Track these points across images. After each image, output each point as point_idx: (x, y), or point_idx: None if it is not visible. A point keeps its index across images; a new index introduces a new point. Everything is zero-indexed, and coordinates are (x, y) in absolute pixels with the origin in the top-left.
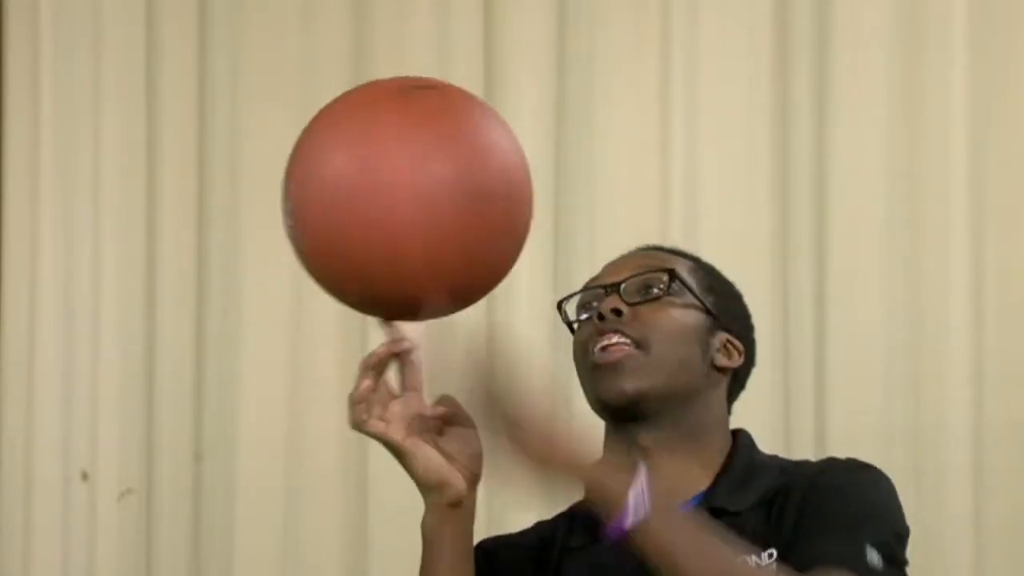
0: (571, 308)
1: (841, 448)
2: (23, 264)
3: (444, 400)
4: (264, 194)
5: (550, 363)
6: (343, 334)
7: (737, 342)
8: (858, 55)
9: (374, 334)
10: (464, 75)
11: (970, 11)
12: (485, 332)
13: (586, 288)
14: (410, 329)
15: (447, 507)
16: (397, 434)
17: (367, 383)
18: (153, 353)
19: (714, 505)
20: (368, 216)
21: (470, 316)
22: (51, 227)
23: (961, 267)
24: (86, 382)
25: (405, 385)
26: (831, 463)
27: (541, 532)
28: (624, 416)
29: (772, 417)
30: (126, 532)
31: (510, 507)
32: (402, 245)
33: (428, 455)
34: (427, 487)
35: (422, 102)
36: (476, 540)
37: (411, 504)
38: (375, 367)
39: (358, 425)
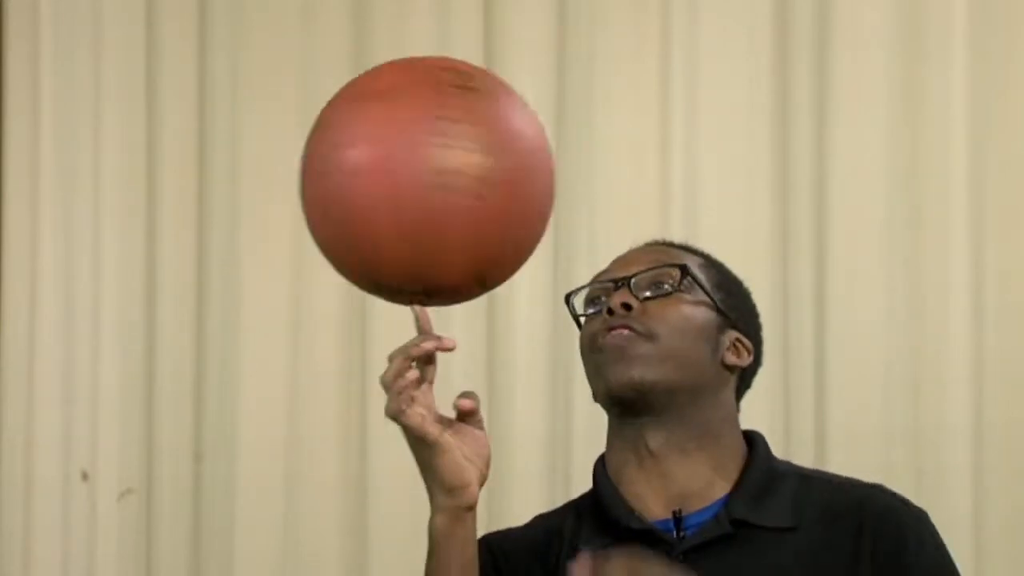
0: (579, 302)
1: (841, 448)
2: (23, 264)
3: (469, 395)
4: (264, 194)
5: (550, 361)
6: (343, 334)
7: (747, 340)
8: (858, 55)
9: (374, 334)
10: None
11: (970, 11)
12: (485, 330)
13: (594, 282)
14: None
15: (462, 509)
16: (434, 428)
17: (414, 373)
18: (153, 353)
19: (736, 516)
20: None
21: (470, 317)
22: (51, 227)
23: (961, 267)
24: (86, 382)
25: (423, 378)
26: (900, 515)
27: (546, 525)
28: (632, 408)
29: (772, 417)
30: (126, 532)
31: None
32: (430, 230)
33: (457, 453)
34: (448, 488)
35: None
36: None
37: (410, 504)
38: (420, 358)
39: (397, 414)
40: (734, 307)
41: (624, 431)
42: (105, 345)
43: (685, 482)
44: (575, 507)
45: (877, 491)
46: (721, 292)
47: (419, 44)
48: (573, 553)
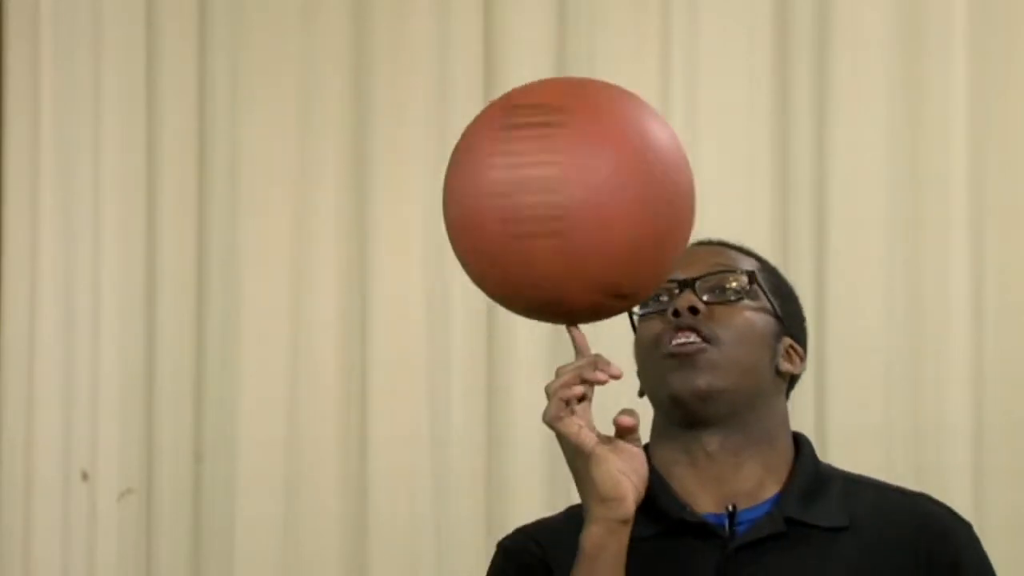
0: None
1: (841, 448)
2: (23, 264)
3: (629, 412)
4: (264, 194)
5: (550, 361)
6: (343, 334)
7: (799, 347)
8: (858, 55)
9: (374, 334)
10: (464, 75)
11: (970, 11)
12: (485, 330)
13: None
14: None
15: (616, 522)
16: (590, 439)
17: (580, 389)
18: (153, 353)
19: (787, 515)
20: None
21: (470, 317)
22: (51, 227)
23: (961, 267)
24: (86, 382)
25: (585, 396)
26: (956, 532)
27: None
28: (693, 418)
29: None
30: (126, 532)
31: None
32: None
33: (612, 464)
34: (603, 498)
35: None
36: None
37: (410, 504)
38: (590, 382)
39: (554, 420)
40: (789, 313)
41: (676, 433)
42: (105, 345)
43: (738, 483)
44: None
45: (930, 503)
46: (778, 298)
47: (419, 44)
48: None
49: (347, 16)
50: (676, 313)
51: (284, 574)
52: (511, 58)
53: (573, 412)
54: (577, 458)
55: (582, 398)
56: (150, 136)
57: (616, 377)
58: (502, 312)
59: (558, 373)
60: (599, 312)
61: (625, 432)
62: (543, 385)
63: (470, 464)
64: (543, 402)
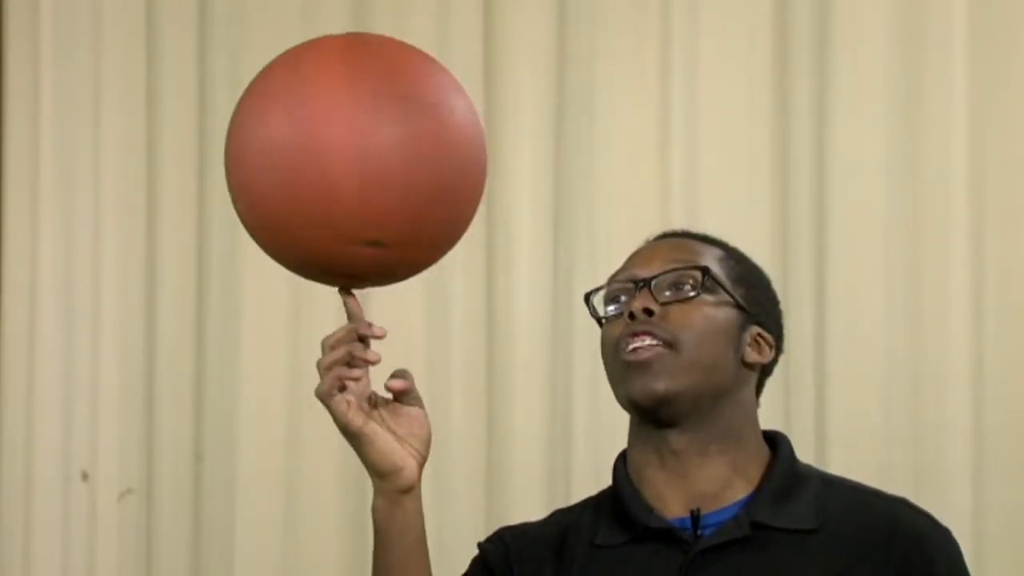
0: (598, 301)
1: (841, 448)
2: (23, 264)
3: (401, 374)
4: None
5: (550, 361)
6: None
7: (768, 335)
8: (858, 55)
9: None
10: (464, 75)
11: (970, 11)
12: (485, 330)
13: (613, 280)
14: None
15: (399, 493)
16: (357, 419)
17: (357, 374)
18: (153, 353)
19: (755, 519)
20: (306, 180)
21: (470, 316)
22: (51, 227)
23: (961, 267)
24: (86, 382)
25: (358, 360)
26: (931, 538)
27: (563, 521)
28: (655, 419)
29: (772, 417)
30: (126, 532)
31: (510, 510)
32: (339, 208)
33: (383, 440)
34: (380, 473)
35: (365, 60)
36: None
37: None
38: (346, 343)
39: (327, 396)
40: (755, 301)
41: (645, 433)
42: (105, 345)
43: (705, 483)
44: (594, 504)
45: (905, 508)
46: (742, 287)
47: (419, 44)
48: (593, 554)
49: (347, 16)
50: (632, 316)
51: (284, 574)
52: (511, 58)
53: (344, 388)
54: (347, 436)
55: (353, 365)
56: (150, 136)
57: (378, 336)
58: (502, 312)
59: (324, 346)
60: (359, 264)
61: (399, 395)
62: (543, 385)
63: (470, 464)
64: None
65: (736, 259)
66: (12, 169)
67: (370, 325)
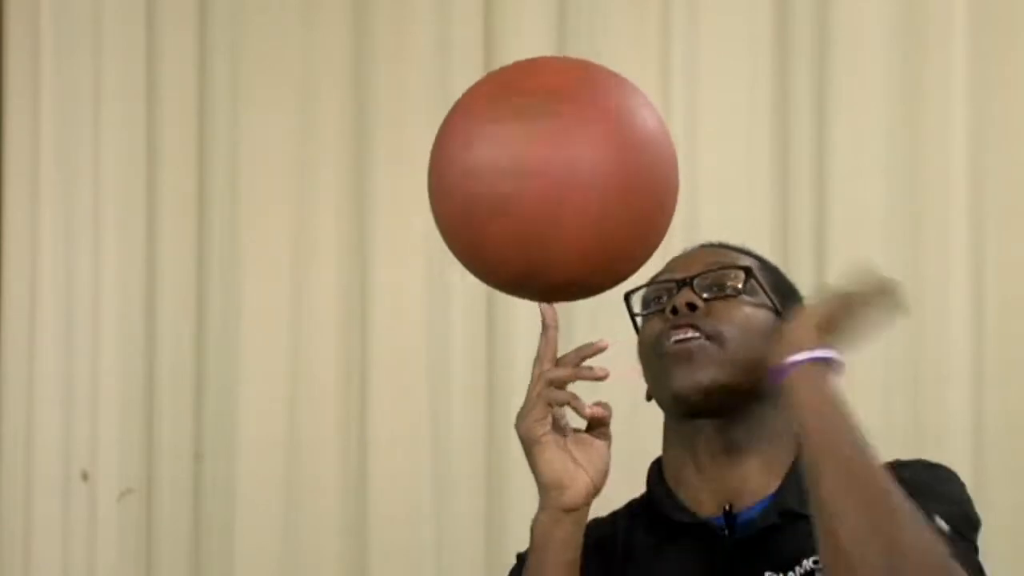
0: (636, 301)
1: None
2: (23, 264)
3: (604, 405)
4: (264, 194)
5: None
6: (343, 334)
7: None
8: (858, 55)
9: (374, 334)
10: (464, 75)
11: (970, 11)
12: (485, 330)
13: (653, 282)
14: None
15: (561, 510)
16: (540, 428)
17: (566, 398)
18: (153, 353)
19: (784, 508)
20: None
21: (470, 316)
22: (51, 227)
23: (961, 267)
24: (86, 382)
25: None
26: (902, 463)
27: (599, 532)
28: (697, 411)
29: None
30: (126, 532)
31: (510, 510)
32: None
33: (556, 454)
34: (545, 486)
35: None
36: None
37: (410, 504)
38: (574, 368)
39: (539, 421)
40: (790, 309)
41: (682, 431)
42: (105, 345)
43: (739, 481)
44: (627, 510)
45: (912, 460)
46: (778, 294)
47: (419, 44)
48: (630, 556)
49: (347, 16)
50: (675, 311)
51: (284, 574)
52: (511, 58)
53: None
54: (524, 444)
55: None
56: (150, 136)
57: (601, 350)
58: (502, 312)
59: (543, 361)
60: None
61: (595, 423)
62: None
63: (470, 464)
64: None
65: (771, 270)
66: (12, 169)
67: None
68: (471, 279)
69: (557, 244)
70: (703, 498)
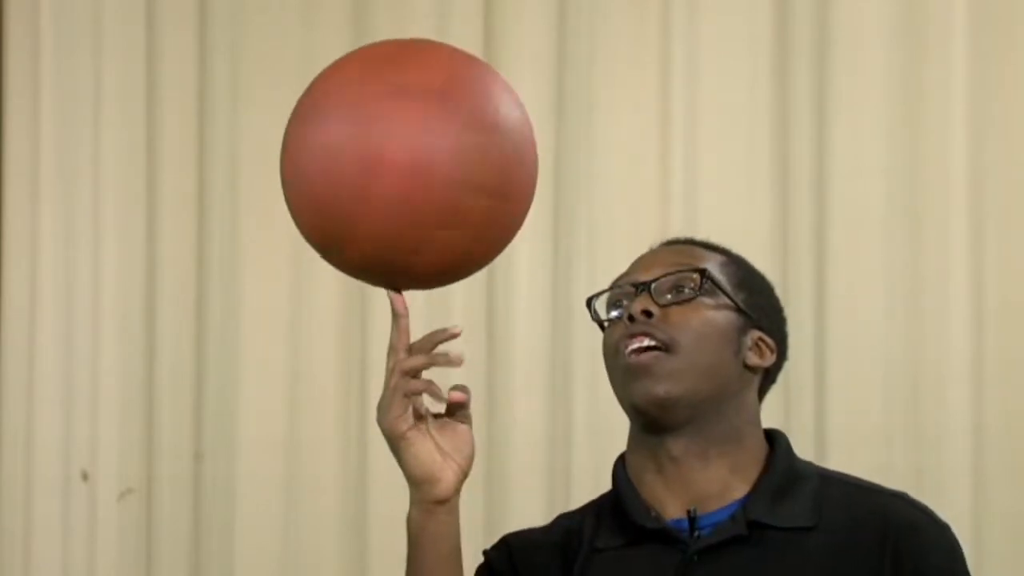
0: (600, 305)
1: (841, 448)
2: (23, 264)
3: (462, 388)
4: (264, 193)
5: (550, 361)
6: (343, 335)
7: (769, 339)
8: (858, 55)
9: (374, 334)
10: None
11: (970, 11)
12: (484, 330)
13: (615, 285)
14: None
15: (433, 503)
16: (403, 424)
17: (421, 387)
18: (153, 353)
19: (752, 518)
20: (360, 185)
21: (470, 316)
22: (51, 227)
23: (961, 267)
24: (86, 382)
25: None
26: (926, 531)
27: (566, 526)
28: (656, 425)
29: (772, 417)
30: (126, 532)
31: (510, 510)
32: (394, 216)
33: (423, 448)
34: (414, 481)
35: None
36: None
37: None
38: (426, 351)
39: (399, 407)
40: (756, 306)
41: (643, 439)
42: (105, 345)
43: (704, 485)
44: (595, 507)
45: (902, 501)
46: (743, 291)
47: None
48: (593, 557)
49: (347, 16)
50: (631, 318)
51: (284, 574)
52: (511, 58)
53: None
54: (389, 440)
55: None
56: (150, 136)
57: (454, 335)
58: (502, 312)
59: (396, 350)
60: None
61: (455, 408)
62: (543, 385)
63: None
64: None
65: (738, 265)
66: (12, 168)
67: (447, 329)
68: (471, 279)
69: (363, 219)
70: (667, 499)
